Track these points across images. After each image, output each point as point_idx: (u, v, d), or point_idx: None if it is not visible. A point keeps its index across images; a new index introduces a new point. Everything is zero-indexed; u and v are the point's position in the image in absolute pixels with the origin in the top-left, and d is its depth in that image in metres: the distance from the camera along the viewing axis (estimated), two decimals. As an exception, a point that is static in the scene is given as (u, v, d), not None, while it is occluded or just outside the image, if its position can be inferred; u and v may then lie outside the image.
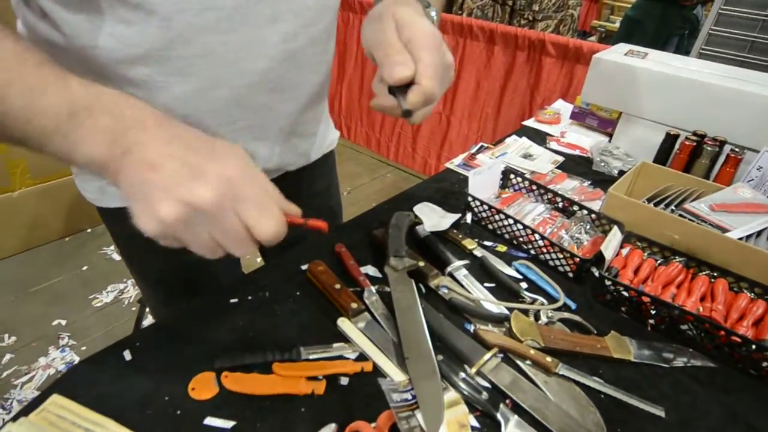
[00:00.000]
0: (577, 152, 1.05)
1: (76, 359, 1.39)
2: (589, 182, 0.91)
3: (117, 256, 1.75)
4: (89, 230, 1.87)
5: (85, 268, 1.70)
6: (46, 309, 1.53)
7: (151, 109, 0.34)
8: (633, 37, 2.31)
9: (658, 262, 0.64)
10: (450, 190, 0.84)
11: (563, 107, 1.29)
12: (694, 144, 0.86)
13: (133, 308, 1.56)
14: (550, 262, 0.66)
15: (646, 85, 0.99)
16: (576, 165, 1.00)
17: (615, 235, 0.65)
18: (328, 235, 0.67)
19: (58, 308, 1.54)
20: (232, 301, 0.56)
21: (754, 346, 0.50)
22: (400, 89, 0.41)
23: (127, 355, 0.47)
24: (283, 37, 0.48)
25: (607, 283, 0.58)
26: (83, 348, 1.42)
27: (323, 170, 0.74)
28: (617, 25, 3.18)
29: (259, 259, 0.81)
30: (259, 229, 0.33)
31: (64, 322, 1.49)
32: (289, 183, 0.63)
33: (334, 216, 0.82)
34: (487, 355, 0.49)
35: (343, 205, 0.90)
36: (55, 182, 1.71)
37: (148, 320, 1.33)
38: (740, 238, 0.63)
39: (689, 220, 0.67)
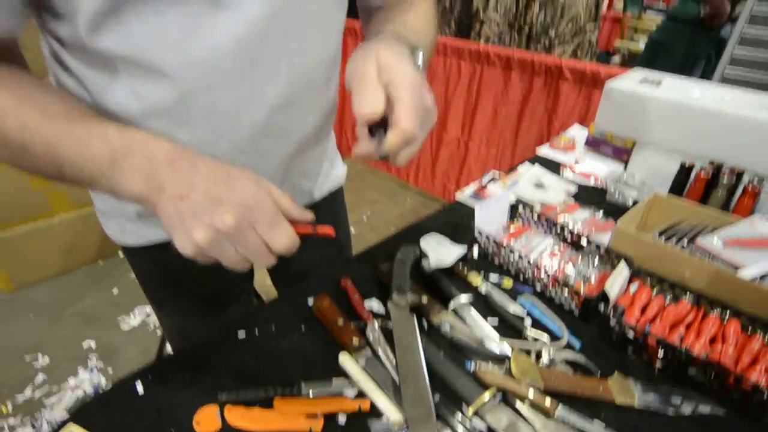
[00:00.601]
0: (591, 181, 1.04)
1: (103, 381, 1.45)
2: (602, 213, 0.90)
3: (145, 280, 1.82)
4: (121, 255, 1.95)
5: (115, 291, 1.78)
6: (77, 331, 1.61)
7: (175, 147, 0.40)
8: (659, 60, 2.29)
9: (668, 300, 0.63)
10: (459, 222, 0.85)
11: (578, 134, 1.28)
12: (710, 175, 0.85)
13: (158, 331, 1.61)
14: (556, 299, 0.66)
15: (661, 114, 0.98)
16: (589, 194, 0.99)
17: (621, 272, 0.64)
18: (336, 270, 0.70)
19: (89, 330, 1.61)
20: (240, 334, 0.58)
21: (766, 394, 0.48)
22: (378, 131, 0.43)
23: (139, 388, 0.50)
24: (281, 89, 0.51)
25: (612, 323, 0.58)
26: (110, 370, 1.48)
27: (330, 206, 0.77)
28: (641, 45, 3.14)
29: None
30: (274, 244, 0.39)
31: (93, 344, 1.56)
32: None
33: (341, 250, 0.84)
34: (486, 396, 0.49)
35: (362, 231, 0.92)
36: (92, 209, 1.81)
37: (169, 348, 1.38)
38: (756, 277, 0.61)
39: (701, 256, 0.66)
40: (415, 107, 0.41)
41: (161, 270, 0.66)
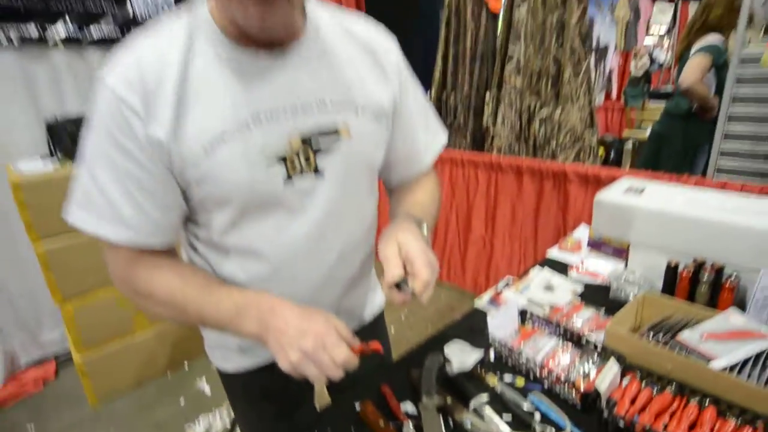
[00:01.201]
0: (598, 280, 1.18)
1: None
2: (604, 311, 1.03)
3: (209, 391, 2.01)
4: (186, 366, 2.18)
5: (182, 401, 1.96)
6: (148, 441, 1.77)
7: (274, 299, 0.61)
8: (662, 150, 2.48)
9: (655, 390, 0.75)
10: (478, 328, 1.01)
11: (584, 235, 1.45)
12: (691, 272, 0.98)
13: (221, 438, 1.75)
14: (561, 395, 0.79)
15: (645, 220, 1.14)
16: (595, 292, 1.13)
17: (611, 368, 0.77)
18: (378, 376, 0.86)
19: (158, 440, 1.77)
20: (304, 437, 0.74)
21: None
22: (403, 284, 0.63)
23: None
24: (336, 254, 0.74)
25: (605, 414, 0.70)
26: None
27: (377, 324, 0.96)
28: (647, 133, 3.38)
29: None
30: (337, 360, 0.56)
31: (164, 453, 1.71)
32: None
33: (383, 360, 1.01)
34: (500, 482, 0.62)
35: (401, 329, 1.09)
36: (166, 325, 2.08)
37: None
38: (726, 367, 0.73)
39: (680, 350, 0.78)
40: (426, 264, 0.62)
41: (247, 388, 0.86)
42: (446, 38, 2.73)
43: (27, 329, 2.16)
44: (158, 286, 0.63)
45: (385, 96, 0.72)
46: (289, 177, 0.64)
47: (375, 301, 0.95)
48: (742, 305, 0.95)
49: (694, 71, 2.06)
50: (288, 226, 0.67)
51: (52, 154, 1.91)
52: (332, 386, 0.98)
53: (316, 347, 0.56)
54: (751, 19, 1.65)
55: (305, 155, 0.64)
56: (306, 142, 0.64)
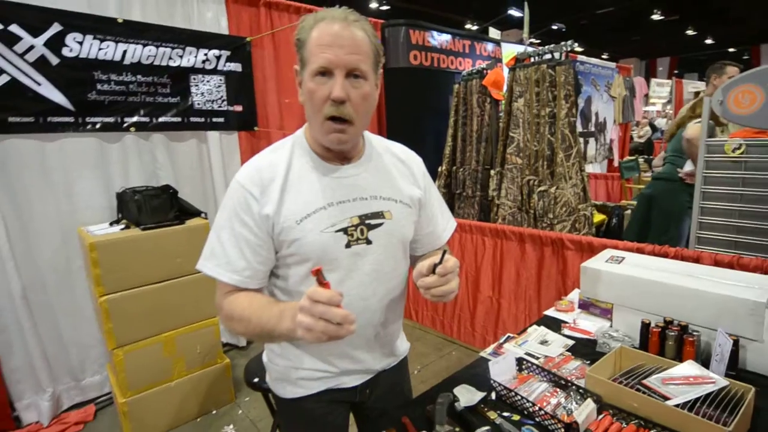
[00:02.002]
0: (587, 336, 1.38)
1: None
2: (590, 362, 1.22)
3: (234, 435, 2.15)
4: (214, 412, 2.32)
5: (209, 447, 2.09)
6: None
7: (297, 305, 0.78)
8: (652, 211, 2.71)
9: (624, 424, 0.93)
10: (482, 374, 1.20)
11: (576, 297, 1.65)
12: (660, 329, 1.18)
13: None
14: (550, 428, 0.97)
15: (623, 285, 1.36)
16: (583, 347, 1.32)
17: (588, 405, 0.96)
18: (400, 411, 1.05)
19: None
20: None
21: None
22: (434, 270, 0.83)
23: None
24: (380, 300, 0.97)
25: (581, 440, 0.89)
26: None
27: (401, 367, 1.16)
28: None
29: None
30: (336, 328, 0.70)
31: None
32: (383, 380, 1.08)
33: (406, 397, 1.20)
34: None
35: (414, 384, 1.28)
36: (200, 372, 2.27)
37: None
38: (679, 404, 0.92)
39: (644, 391, 0.97)
40: (451, 259, 0.83)
41: (297, 411, 1.05)
42: (455, 121, 3.12)
43: (72, 375, 2.36)
44: (236, 306, 0.86)
45: (415, 192, 1.02)
46: (349, 244, 0.91)
47: (404, 344, 1.17)
48: (704, 358, 1.14)
49: (696, 130, 2.27)
50: (345, 280, 0.92)
51: (119, 221, 2.22)
52: (360, 415, 1.16)
53: (314, 320, 0.69)
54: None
55: (360, 230, 0.92)
56: (362, 220, 0.92)
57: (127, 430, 2.04)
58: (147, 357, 2.07)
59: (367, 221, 0.92)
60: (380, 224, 0.94)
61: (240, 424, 2.22)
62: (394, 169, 1.00)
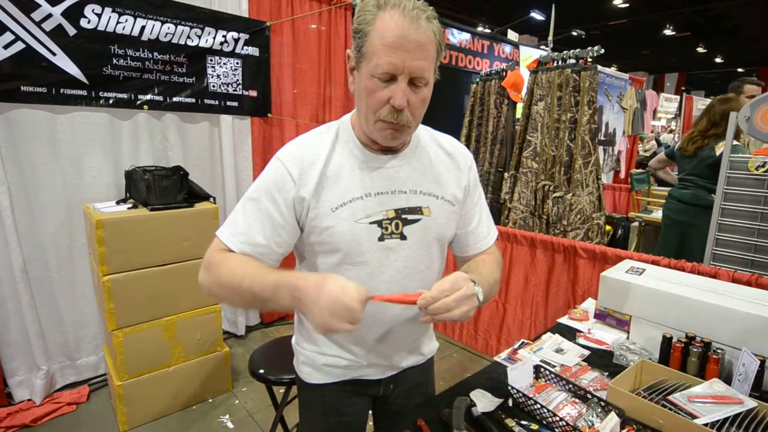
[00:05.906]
0: (603, 347, 1.35)
1: None
2: (608, 374, 1.19)
3: (231, 425, 2.11)
4: (210, 400, 2.28)
5: (203, 434, 2.06)
6: (170, 472, 1.85)
7: (303, 275, 0.75)
8: (691, 240, 2.56)
9: (648, 440, 0.90)
10: (498, 380, 1.17)
11: (591, 307, 1.62)
12: (682, 345, 1.15)
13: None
14: (570, 438, 0.94)
15: (644, 297, 1.33)
16: (600, 358, 1.29)
17: (612, 419, 0.93)
18: (414, 412, 1.02)
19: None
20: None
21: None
22: None
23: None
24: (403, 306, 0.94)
25: (606, 454, 0.86)
26: None
27: (428, 366, 1.13)
28: (653, 215, 3.61)
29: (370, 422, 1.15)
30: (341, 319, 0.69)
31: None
32: (409, 377, 1.06)
33: (429, 396, 1.16)
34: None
35: None
36: (198, 359, 2.23)
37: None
38: (707, 424, 0.89)
39: (670, 407, 0.94)
40: (441, 289, 0.77)
41: (320, 399, 1.02)
42: (470, 122, 3.08)
43: (68, 354, 2.32)
44: (229, 263, 0.81)
45: (458, 189, 0.97)
46: (382, 237, 0.87)
47: (431, 343, 1.13)
48: (724, 377, 1.11)
49: None
50: (376, 275, 0.88)
51: (126, 200, 2.18)
52: (378, 415, 1.13)
53: (325, 311, 0.69)
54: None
55: (396, 224, 0.88)
56: (398, 214, 0.88)
57: (121, 413, 2.01)
58: (146, 340, 2.03)
59: (403, 216, 0.89)
60: (417, 220, 0.90)
61: (236, 414, 2.19)
62: (440, 163, 0.96)
